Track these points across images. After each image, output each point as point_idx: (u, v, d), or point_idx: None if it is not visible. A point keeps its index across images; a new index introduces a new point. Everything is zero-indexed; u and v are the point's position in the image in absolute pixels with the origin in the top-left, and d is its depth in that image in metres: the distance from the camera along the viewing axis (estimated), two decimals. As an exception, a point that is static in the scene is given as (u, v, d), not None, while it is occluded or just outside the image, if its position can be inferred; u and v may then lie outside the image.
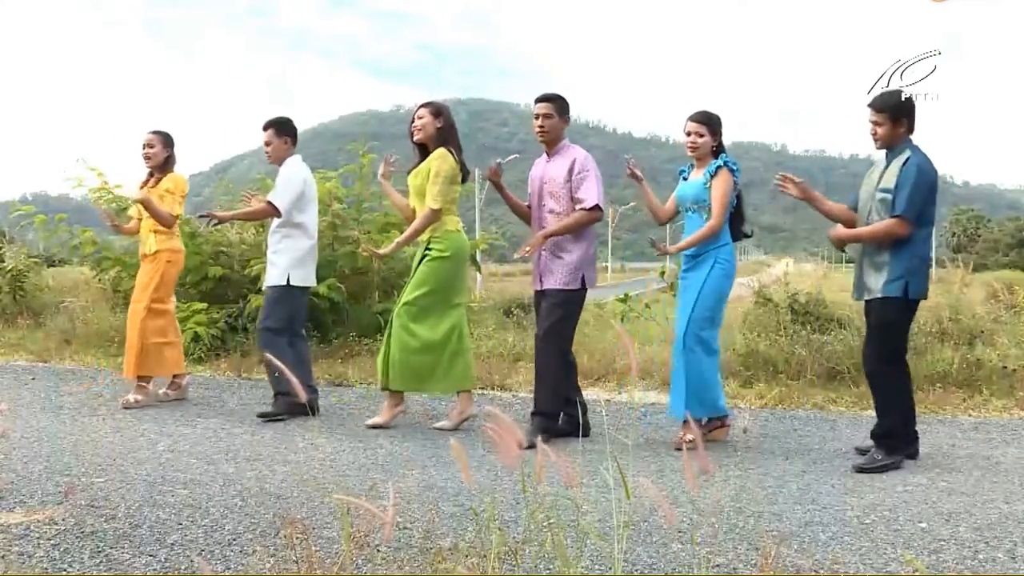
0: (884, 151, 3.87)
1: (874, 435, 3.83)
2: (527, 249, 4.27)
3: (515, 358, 6.53)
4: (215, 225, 4.91)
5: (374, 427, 4.51)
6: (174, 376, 5.38)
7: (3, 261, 9.39)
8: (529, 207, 4.46)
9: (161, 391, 5.38)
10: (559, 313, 4.24)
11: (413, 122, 4.47)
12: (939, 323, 6.31)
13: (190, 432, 4.43)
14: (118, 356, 6.61)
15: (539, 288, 4.37)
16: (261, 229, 7.22)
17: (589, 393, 5.61)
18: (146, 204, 5.02)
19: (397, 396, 4.59)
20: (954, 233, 64.87)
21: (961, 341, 6.02)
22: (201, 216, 4.87)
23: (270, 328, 4.81)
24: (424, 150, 4.47)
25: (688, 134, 4.18)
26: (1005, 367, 5.51)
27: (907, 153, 3.73)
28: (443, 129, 4.43)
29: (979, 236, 60.29)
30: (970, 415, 4.97)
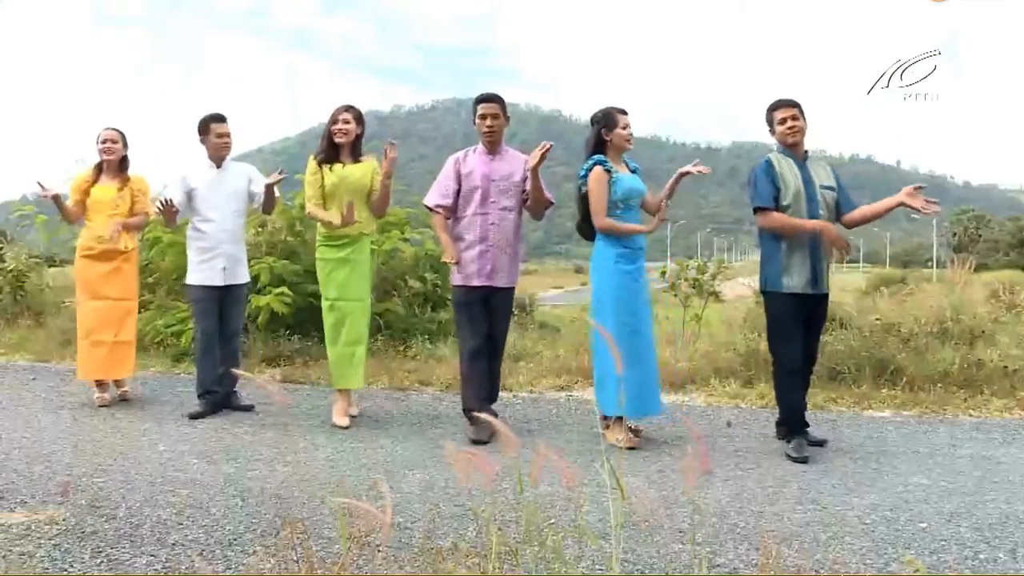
0: (791, 152, 3.99)
1: (804, 426, 4.06)
2: (538, 156, 4.14)
3: (515, 358, 6.53)
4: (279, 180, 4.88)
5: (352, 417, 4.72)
6: (116, 381, 5.32)
7: (4, 261, 9.38)
8: (451, 208, 4.40)
9: (99, 395, 5.21)
10: (511, 312, 4.59)
11: (336, 123, 4.56)
12: (940, 323, 6.30)
13: (191, 432, 4.43)
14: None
15: (486, 284, 4.32)
16: (261, 230, 7.21)
17: (587, 393, 5.62)
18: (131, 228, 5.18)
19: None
20: (955, 233, 64.83)
21: (962, 341, 6.02)
22: (280, 174, 4.86)
23: (240, 327, 5.11)
24: (337, 149, 4.58)
25: (625, 127, 4.22)
26: (1006, 367, 5.50)
27: (820, 158, 4.11)
28: (360, 135, 4.66)
29: (980, 236, 60.25)
30: (971, 415, 4.96)
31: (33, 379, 6.20)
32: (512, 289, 4.48)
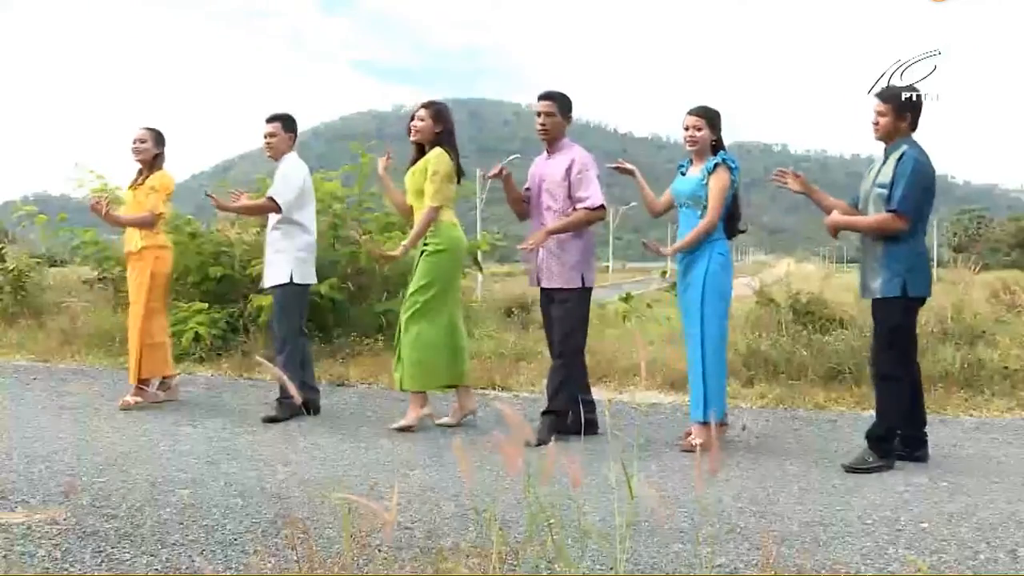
0: (884, 147, 3.85)
1: (870, 436, 3.79)
2: (529, 244, 4.27)
3: (516, 358, 6.53)
4: (217, 211, 4.90)
5: (401, 430, 4.45)
6: (164, 376, 5.32)
7: (5, 261, 9.39)
8: (526, 202, 4.49)
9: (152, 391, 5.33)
10: (574, 317, 4.32)
11: (412, 120, 4.49)
12: (941, 323, 6.30)
13: (191, 432, 4.43)
14: (120, 356, 6.61)
15: (537, 285, 4.44)
16: (262, 229, 7.21)
17: (590, 393, 5.61)
18: (119, 223, 5.09)
19: (421, 397, 4.57)
20: (955, 233, 64.78)
21: (963, 341, 6.02)
22: (208, 195, 4.85)
23: (283, 330, 4.84)
24: (420, 149, 4.50)
25: (687, 128, 4.13)
26: (1007, 367, 5.50)
27: (903, 148, 3.72)
28: (441, 133, 4.46)
29: (980, 236, 60.22)
30: (972, 415, 4.96)
31: (34, 379, 6.20)
32: (567, 291, 4.29)
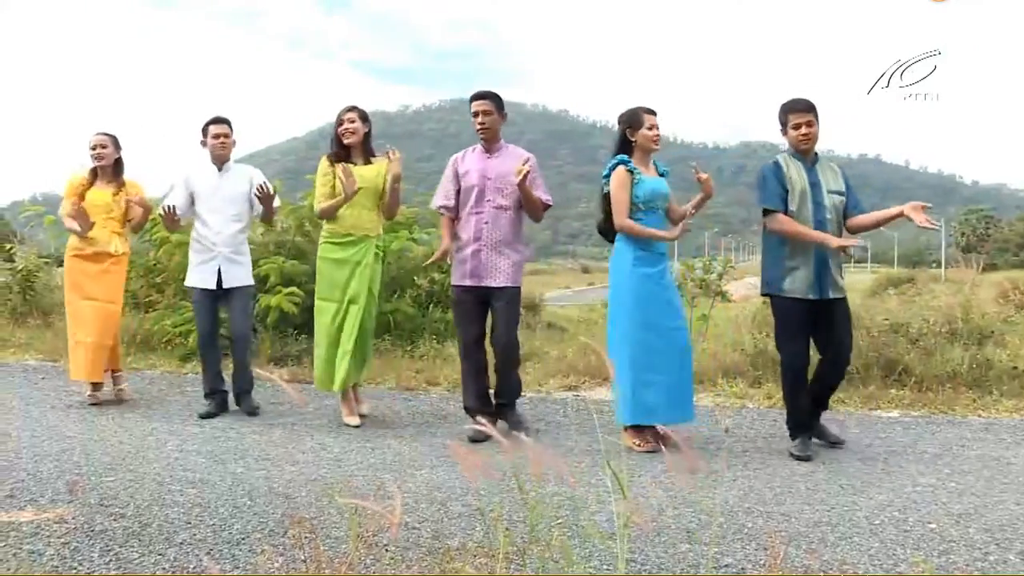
0: (791, 153, 4.00)
1: (808, 427, 4.04)
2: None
3: (522, 358, 6.51)
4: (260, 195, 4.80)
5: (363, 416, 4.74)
6: (113, 379, 5.37)
7: (13, 261, 9.43)
8: (455, 209, 4.46)
9: (91, 393, 5.26)
10: (516, 313, 4.48)
11: (342, 125, 4.60)
12: (949, 323, 6.27)
13: (199, 431, 4.44)
14: (126, 356, 6.63)
15: (475, 284, 4.35)
16: (269, 229, 7.22)
17: (594, 393, 5.62)
18: (144, 206, 5.16)
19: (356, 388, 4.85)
20: (963, 233, 64.52)
21: (971, 341, 5.99)
22: (258, 194, 4.77)
23: (248, 327, 5.07)
24: (349, 151, 4.63)
25: (651, 127, 4.13)
26: (1015, 367, 5.47)
27: (828, 158, 4.07)
28: (368, 134, 4.67)
29: (989, 236, 59.96)
30: (980, 416, 4.94)
31: (42, 379, 6.23)
32: (514, 289, 4.38)
